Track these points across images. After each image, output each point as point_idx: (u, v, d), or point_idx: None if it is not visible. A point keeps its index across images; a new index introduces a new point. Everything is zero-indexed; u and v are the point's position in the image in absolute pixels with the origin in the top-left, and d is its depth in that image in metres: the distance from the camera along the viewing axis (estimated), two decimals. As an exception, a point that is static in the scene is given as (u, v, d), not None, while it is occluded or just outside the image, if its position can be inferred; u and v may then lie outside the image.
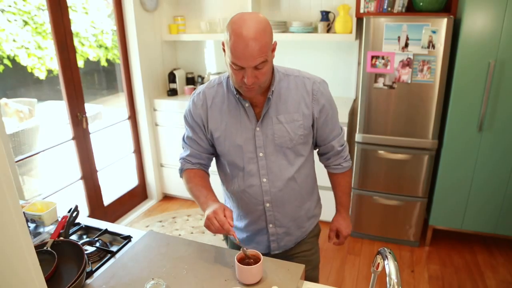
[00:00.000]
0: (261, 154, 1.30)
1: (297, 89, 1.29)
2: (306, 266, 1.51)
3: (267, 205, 1.35)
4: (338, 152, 1.42)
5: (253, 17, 1.11)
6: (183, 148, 1.45)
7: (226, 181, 1.43)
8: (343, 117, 2.81)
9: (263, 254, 1.43)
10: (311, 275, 1.54)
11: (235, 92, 1.27)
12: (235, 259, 1.13)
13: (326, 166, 1.49)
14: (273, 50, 1.20)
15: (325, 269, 2.65)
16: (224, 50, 1.17)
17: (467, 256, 2.75)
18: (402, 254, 2.79)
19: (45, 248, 1.22)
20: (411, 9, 2.65)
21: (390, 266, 0.79)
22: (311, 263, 1.55)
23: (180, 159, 1.45)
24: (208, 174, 1.45)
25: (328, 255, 2.79)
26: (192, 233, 3.07)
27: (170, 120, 3.36)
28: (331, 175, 1.51)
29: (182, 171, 1.43)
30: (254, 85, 1.16)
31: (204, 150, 1.40)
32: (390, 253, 0.82)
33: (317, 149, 1.46)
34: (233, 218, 1.44)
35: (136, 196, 3.58)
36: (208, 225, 1.17)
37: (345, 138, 1.46)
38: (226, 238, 1.64)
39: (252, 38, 1.07)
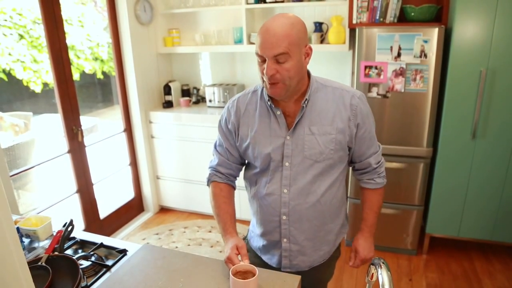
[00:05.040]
0: (287, 164, 1.26)
1: (334, 101, 1.25)
2: (317, 285, 1.50)
3: (284, 217, 1.31)
4: (373, 168, 1.36)
5: (284, 14, 1.16)
6: (213, 155, 1.44)
7: (249, 184, 1.42)
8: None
9: (275, 269, 1.39)
10: None
11: (267, 99, 1.26)
12: (230, 273, 1.12)
13: (359, 180, 1.44)
14: (307, 55, 1.21)
15: (323, 279, 2.63)
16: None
17: (464, 264, 2.74)
18: (400, 262, 2.78)
19: (39, 263, 1.21)
20: (402, 19, 2.69)
21: (383, 276, 0.79)
22: (323, 282, 1.53)
23: (209, 168, 1.44)
24: (234, 188, 1.45)
25: (326, 265, 2.78)
26: (189, 245, 3.05)
27: (166, 132, 3.36)
28: (362, 190, 1.44)
29: (209, 181, 1.43)
30: (275, 80, 1.14)
31: (235, 160, 1.40)
32: (383, 263, 0.82)
33: (353, 165, 1.40)
34: (253, 224, 1.46)
35: (133, 208, 3.56)
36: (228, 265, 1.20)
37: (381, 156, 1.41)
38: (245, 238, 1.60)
39: (274, 28, 1.11)
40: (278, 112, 1.25)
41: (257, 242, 1.46)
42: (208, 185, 1.43)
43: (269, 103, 1.25)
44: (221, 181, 1.41)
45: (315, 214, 1.31)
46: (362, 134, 1.28)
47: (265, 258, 1.46)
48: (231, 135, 1.36)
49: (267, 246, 1.42)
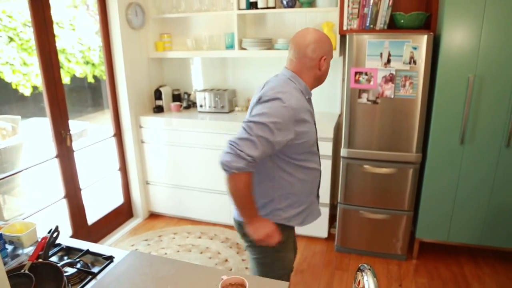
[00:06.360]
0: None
1: None
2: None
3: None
4: None
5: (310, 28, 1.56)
6: (252, 142, 1.34)
7: (303, 172, 1.56)
8: (328, 132, 2.83)
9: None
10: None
11: (306, 96, 1.54)
12: (220, 286, 1.11)
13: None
14: None
15: (313, 285, 2.62)
16: (321, 64, 1.52)
17: (454, 268, 2.76)
18: (390, 268, 2.78)
19: (22, 271, 1.18)
20: (392, 26, 2.72)
21: (369, 283, 0.79)
22: None
23: (248, 156, 1.33)
24: None
25: (316, 271, 2.77)
26: (178, 251, 3.02)
27: (156, 137, 3.34)
28: None
29: (244, 170, 1.34)
30: None
31: (271, 154, 1.46)
32: (369, 269, 0.82)
33: None
34: (290, 204, 1.59)
35: (121, 214, 3.52)
36: (264, 240, 1.48)
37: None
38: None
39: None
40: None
41: (299, 219, 1.63)
42: (240, 170, 1.33)
43: (307, 96, 1.55)
44: (253, 171, 1.39)
45: None
46: None
47: (306, 221, 1.66)
48: (289, 132, 1.42)
49: (307, 209, 1.64)
